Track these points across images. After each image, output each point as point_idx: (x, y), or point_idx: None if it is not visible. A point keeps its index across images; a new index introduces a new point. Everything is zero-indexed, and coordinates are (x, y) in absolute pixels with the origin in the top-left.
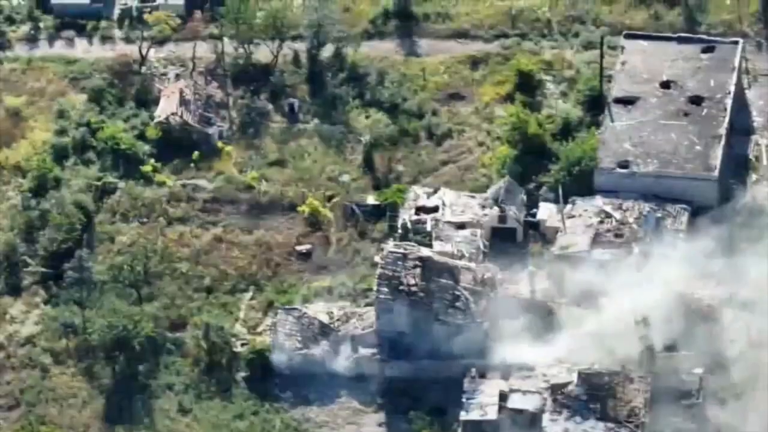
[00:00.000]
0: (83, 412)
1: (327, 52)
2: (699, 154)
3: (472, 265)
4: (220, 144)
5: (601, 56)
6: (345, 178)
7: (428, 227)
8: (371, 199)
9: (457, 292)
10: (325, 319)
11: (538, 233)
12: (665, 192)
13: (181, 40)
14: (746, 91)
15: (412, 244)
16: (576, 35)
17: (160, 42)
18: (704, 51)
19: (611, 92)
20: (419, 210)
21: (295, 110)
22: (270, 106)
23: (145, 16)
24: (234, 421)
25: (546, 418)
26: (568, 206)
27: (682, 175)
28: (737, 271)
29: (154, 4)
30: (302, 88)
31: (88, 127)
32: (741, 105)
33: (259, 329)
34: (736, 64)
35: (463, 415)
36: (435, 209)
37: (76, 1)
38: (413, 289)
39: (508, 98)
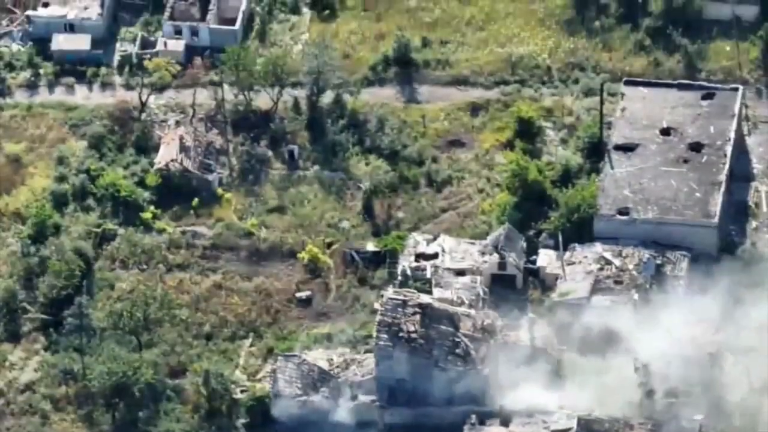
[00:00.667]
0: None
1: (327, 98)
2: (699, 200)
3: (472, 311)
4: (219, 191)
5: (601, 103)
6: (345, 224)
7: (428, 274)
8: (371, 246)
9: (457, 339)
10: (324, 365)
11: (538, 280)
12: (665, 239)
13: (181, 86)
14: (746, 138)
15: (412, 290)
16: (576, 82)
17: (160, 89)
18: (704, 98)
19: (611, 139)
20: (419, 257)
21: (294, 157)
22: (270, 153)
23: (145, 63)
24: None
25: None
26: (568, 253)
27: (682, 221)
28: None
29: (154, 50)
30: (302, 135)
31: (88, 173)
32: (741, 151)
33: (259, 376)
34: (736, 110)
35: None
36: (435, 256)
37: (75, 47)
38: (413, 335)
39: (508, 145)
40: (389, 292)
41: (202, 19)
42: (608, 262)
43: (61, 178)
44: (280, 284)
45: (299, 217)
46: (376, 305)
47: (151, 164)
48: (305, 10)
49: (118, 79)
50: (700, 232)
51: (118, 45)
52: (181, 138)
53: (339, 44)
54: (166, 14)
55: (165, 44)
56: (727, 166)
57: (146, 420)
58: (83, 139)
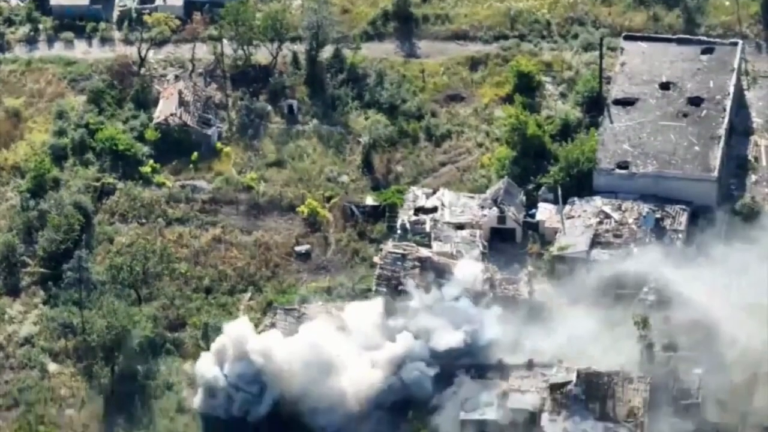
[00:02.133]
0: (82, 412)
1: (326, 53)
2: (698, 154)
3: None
4: (219, 145)
5: (601, 57)
6: (344, 178)
7: (427, 228)
8: (370, 200)
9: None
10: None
11: (537, 234)
12: (664, 192)
13: (180, 41)
14: (745, 92)
15: (411, 244)
16: (575, 37)
17: (160, 43)
18: (704, 52)
19: (610, 93)
20: (418, 211)
21: (294, 111)
22: (269, 107)
23: (145, 18)
24: None
25: (545, 417)
26: (567, 207)
27: (682, 175)
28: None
29: (154, 5)
30: (301, 89)
31: (87, 128)
32: (740, 106)
33: (258, 329)
34: (736, 65)
35: (462, 415)
36: (434, 210)
37: (75, 2)
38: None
39: (508, 99)
40: (388, 245)
41: None
42: (607, 216)
43: (61, 133)
44: (279, 238)
45: (298, 171)
46: (376, 259)
47: (151, 119)
48: None
49: (117, 34)
50: (699, 186)
51: (117, 0)
52: (181, 93)
53: None
54: None
55: None
56: (726, 121)
57: (145, 373)
58: (82, 93)
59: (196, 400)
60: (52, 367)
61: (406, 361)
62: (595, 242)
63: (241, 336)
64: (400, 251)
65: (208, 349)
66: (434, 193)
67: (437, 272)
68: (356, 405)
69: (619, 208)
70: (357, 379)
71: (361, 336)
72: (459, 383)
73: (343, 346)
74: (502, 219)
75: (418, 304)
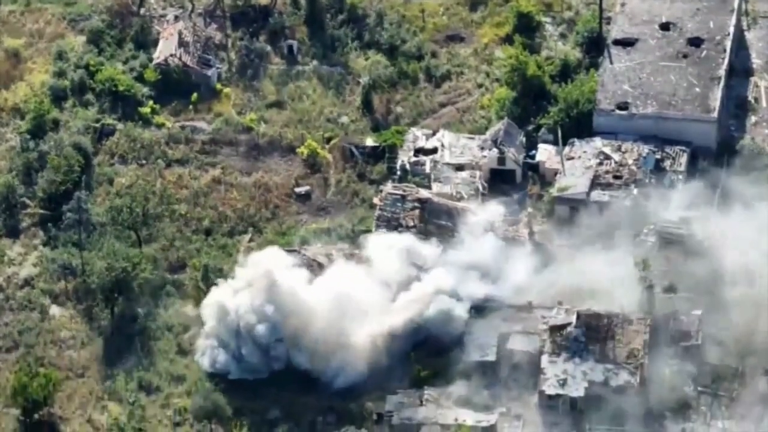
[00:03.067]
0: (82, 353)
1: None
2: (698, 95)
3: (471, 206)
4: (218, 86)
5: None
6: (344, 119)
7: (427, 169)
8: (370, 141)
9: (456, 233)
10: (324, 260)
11: (537, 175)
12: (664, 133)
13: None
14: (746, 33)
15: (411, 185)
16: None
17: None
18: None
19: (610, 34)
20: (418, 152)
21: (293, 52)
22: (269, 48)
23: None
24: None
25: (545, 359)
26: (567, 148)
27: (682, 116)
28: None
29: None
30: (301, 30)
31: (87, 69)
32: (740, 47)
33: None
34: (736, 5)
35: (463, 356)
36: (434, 151)
37: None
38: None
39: (507, 40)
40: (388, 186)
41: None
42: (607, 157)
43: (60, 74)
44: (279, 179)
45: (298, 112)
46: (375, 200)
47: (150, 59)
48: None
49: None
50: (699, 126)
51: None
52: (180, 33)
53: None
54: None
55: None
56: (726, 61)
57: (145, 315)
58: (82, 34)
59: (204, 360)
60: (53, 308)
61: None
62: (595, 183)
63: (270, 272)
64: (400, 192)
65: (208, 290)
66: (434, 134)
67: (437, 214)
68: (376, 352)
69: (619, 149)
70: (380, 325)
71: (389, 274)
72: (468, 324)
73: (370, 289)
74: (501, 160)
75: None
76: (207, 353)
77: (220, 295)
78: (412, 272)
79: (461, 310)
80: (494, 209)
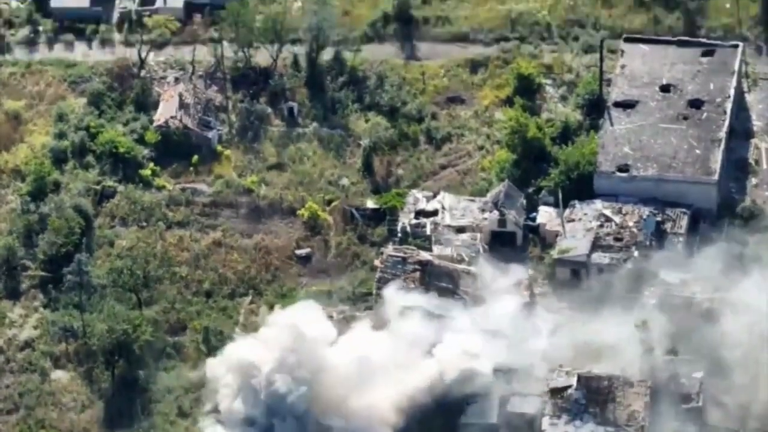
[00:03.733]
0: (82, 416)
1: (326, 55)
2: (699, 157)
3: (472, 268)
4: (219, 148)
5: (601, 60)
6: (344, 181)
7: (428, 231)
8: (371, 203)
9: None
10: None
11: (538, 237)
12: (665, 196)
13: (180, 43)
14: (746, 95)
15: (412, 247)
16: (576, 39)
17: (160, 45)
18: (704, 54)
19: (611, 96)
20: (419, 214)
21: (294, 114)
22: (269, 110)
23: (145, 20)
24: None
25: (545, 421)
26: (568, 210)
27: (682, 178)
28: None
29: (154, 7)
30: (302, 92)
31: (88, 130)
32: (741, 108)
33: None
34: (736, 67)
35: (464, 419)
36: (434, 213)
37: (75, 4)
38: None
39: (508, 102)
40: (389, 249)
41: None
42: (608, 219)
43: (61, 135)
44: (279, 241)
45: (299, 174)
46: (376, 262)
47: (151, 121)
48: None
49: (117, 36)
50: (700, 189)
51: (117, 2)
52: (181, 95)
53: (339, 1)
54: None
55: (164, 1)
56: (726, 123)
57: (146, 377)
58: (83, 96)
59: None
60: (53, 371)
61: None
62: (596, 245)
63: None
64: (401, 254)
65: (209, 355)
66: (435, 196)
67: (438, 276)
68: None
69: (620, 211)
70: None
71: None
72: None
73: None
74: (502, 222)
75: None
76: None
77: (240, 352)
78: (434, 332)
79: (486, 372)
80: (519, 271)
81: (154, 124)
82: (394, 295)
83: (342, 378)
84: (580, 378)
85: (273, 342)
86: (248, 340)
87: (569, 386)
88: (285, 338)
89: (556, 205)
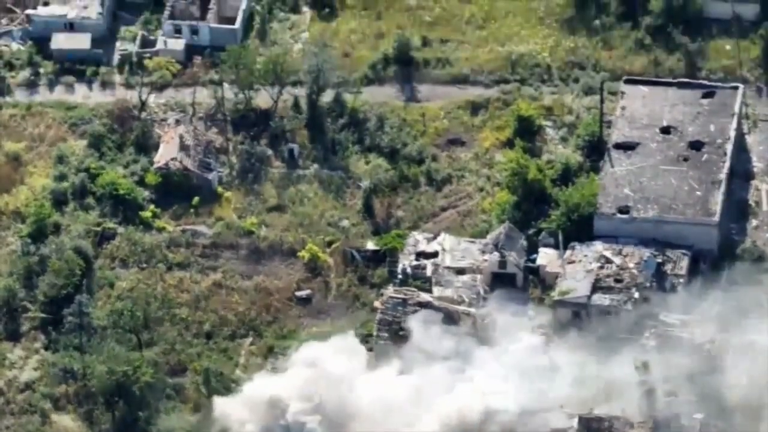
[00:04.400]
0: None
1: (327, 97)
2: (699, 199)
3: (472, 310)
4: (219, 189)
5: (601, 101)
6: (345, 223)
7: (428, 272)
8: (371, 245)
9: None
10: None
11: (538, 279)
12: (665, 237)
13: (181, 85)
14: (746, 136)
15: (412, 289)
16: (576, 81)
17: (160, 87)
18: (704, 96)
19: (611, 138)
20: (419, 255)
21: (294, 155)
22: (270, 152)
23: (145, 62)
24: None
25: None
26: (568, 252)
27: (683, 220)
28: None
29: (154, 49)
30: (302, 134)
31: (88, 172)
32: (741, 150)
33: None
34: (737, 109)
35: None
36: (435, 255)
37: (75, 46)
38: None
39: (508, 144)
40: (389, 290)
41: (202, 17)
42: (608, 261)
43: (61, 177)
44: (280, 283)
45: (299, 215)
46: (377, 304)
47: (151, 163)
48: (305, 8)
49: (118, 78)
50: (700, 230)
51: (118, 44)
52: (181, 137)
53: (339, 43)
54: (166, 13)
55: (165, 43)
56: (727, 165)
57: (146, 419)
58: (83, 138)
59: None
60: (54, 413)
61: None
62: (596, 287)
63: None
64: (401, 296)
65: (209, 396)
66: (435, 237)
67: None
68: None
69: (620, 252)
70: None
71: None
72: None
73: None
74: (503, 264)
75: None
76: None
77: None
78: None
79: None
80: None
81: (155, 165)
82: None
83: (370, 421)
84: (580, 419)
85: (299, 380)
86: (269, 378)
87: (570, 428)
88: (311, 376)
89: (556, 246)
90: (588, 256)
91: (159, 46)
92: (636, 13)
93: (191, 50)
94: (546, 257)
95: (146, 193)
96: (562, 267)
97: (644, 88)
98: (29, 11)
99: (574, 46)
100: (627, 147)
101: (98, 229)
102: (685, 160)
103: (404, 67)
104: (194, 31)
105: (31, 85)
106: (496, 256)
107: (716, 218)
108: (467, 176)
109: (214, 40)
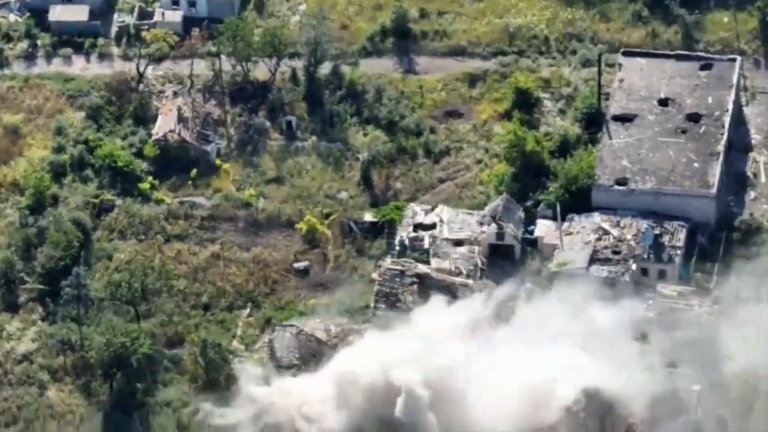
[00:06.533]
0: (81, 429)
1: (325, 69)
2: (697, 171)
3: (470, 282)
4: (217, 161)
5: (599, 74)
6: (343, 195)
7: (426, 244)
8: (369, 217)
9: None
10: (322, 336)
11: (536, 250)
12: (663, 209)
13: (178, 57)
14: (744, 108)
15: (410, 261)
16: (574, 53)
17: (158, 59)
18: (702, 68)
19: (609, 110)
20: (417, 227)
21: (292, 128)
22: (268, 124)
23: (143, 34)
24: None
25: None
26: (566, 223)
27: (680, 192)
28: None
29: (152, 21)
30: (300, 106)
31: (86, 144)
32: (739, 122)
33: (257, 346)
34: (734, 81)
35: None
36: (433, 226)
37: (73, 18)
38: (411, 306)
39: (506, 116)
40: (387, 262)
41: None
42: (606, 233)
43: (59, 149)
44: (278, 254)
45: (297, 187)
46: (374, 275)
47: (149, 135)
48: None
49: (115, 50)
50: (698, 202)
51: (115, 16)
52: (179, 109)
53: (337, 15)
54: None
55: (163, 15)
56: (725, 137)
57: (144, 390)
58: (81, 110)
59: None
60: (51, 384)
61: None
62: (594, 259)
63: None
64: (399, 268)
65: (206, 368)
66: (433, 209)
67: (436, 289)
68: None
69: (618, 224)
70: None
71: None
72: None
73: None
74: (500, 235)
75: None
76: None
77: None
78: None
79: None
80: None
81: (153, 137)
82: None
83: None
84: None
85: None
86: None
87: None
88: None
89: (554, 218)
90: (586, 227)
91: (157, 18)
92: None
93: (189, 22)
94: (544, 229)
95: (144, 165)
96: (560, 239)
97: (642, 60)
98: None
99: (571, 18)
100: (625, 119)
101: (96, 200)
102: (683, 132)
103: (402, 39)
104: (192, 3)
105: (29, 57)
106: (493, 227)
107: (714, 190)
108: (465, 148)
109: (211, 12)
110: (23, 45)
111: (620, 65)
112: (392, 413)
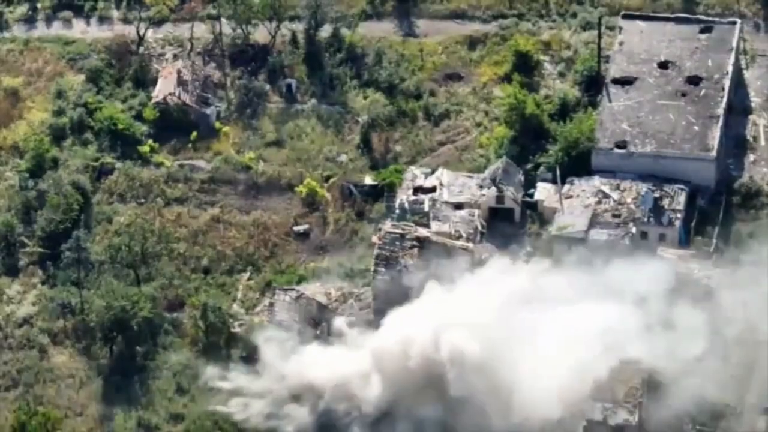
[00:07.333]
0: (81, 392)
1: (325, 32)
2: (697, 134)
3: (470, 245)
4: (217, 124)
5: (599, 37)
6: (342, 158)
7: (426, 207)
8: (369, 180)
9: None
10: (322, 299)
11: (536, 214)
12: (663, 172)
13: (178, 20)
14: (744, 71)
15: (410, 224)
16: (574, 16)
17: (158, 22)
18: (702, 31)
19: (609, 73)
20: (417, 190)
21: (292, 90)
22: (268, 87)
23: None
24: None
25: None
26: (566, 186)
27: (680, 155)
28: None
29: None
30: (300, 69)
31: (86, 107)
32: (738, 85)
33: (257, 310)
34: (734, 44)
35: None
36: (432, 189)
37: None
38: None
39: (506, 79)
40: (387, 225)
41: None
42: (606, 196)
43: (59, 112)
44: (277, 218)
45: (297, 150)
46: (374, 239)
47: (149, 98)
48: None
49: (115, 13)
50: (698, 165)
51: None
52: (179, 72)
53: None
54: None
55: None
56: (725, 100)
57: (144, 354)
58: (81, 72)
59: None
60: (52, 347)
61: None
62: (594, 222)
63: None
64: (399, 231)
65: (206, 330)
66: (433, 172)
67: (435, 252)
68: None
69: (618, 187)
70: None
71: None
72: None
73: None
74: (500, 199)
75: None
76: None
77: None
78: None
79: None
80: None
81: (153, 100)
82: None
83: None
84: None
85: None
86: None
87: None
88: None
89: (554, 181)
90: (586, 191)
91: None
92: None
93: None
94: (544, 192)
95: (144, 128)
96: (560, 202)
97: (642, 23)
98: None
99: None
100: (625, 82)
101: (96, 164)
102: (683, 95)
103: (402, 2)
104: None
105: (29, 20)
106: (493, 191)
107: (714, 153)
108: (465, 111)
109: None
110: (23, 8)
111: (620, 28)
112: (442, 379)
